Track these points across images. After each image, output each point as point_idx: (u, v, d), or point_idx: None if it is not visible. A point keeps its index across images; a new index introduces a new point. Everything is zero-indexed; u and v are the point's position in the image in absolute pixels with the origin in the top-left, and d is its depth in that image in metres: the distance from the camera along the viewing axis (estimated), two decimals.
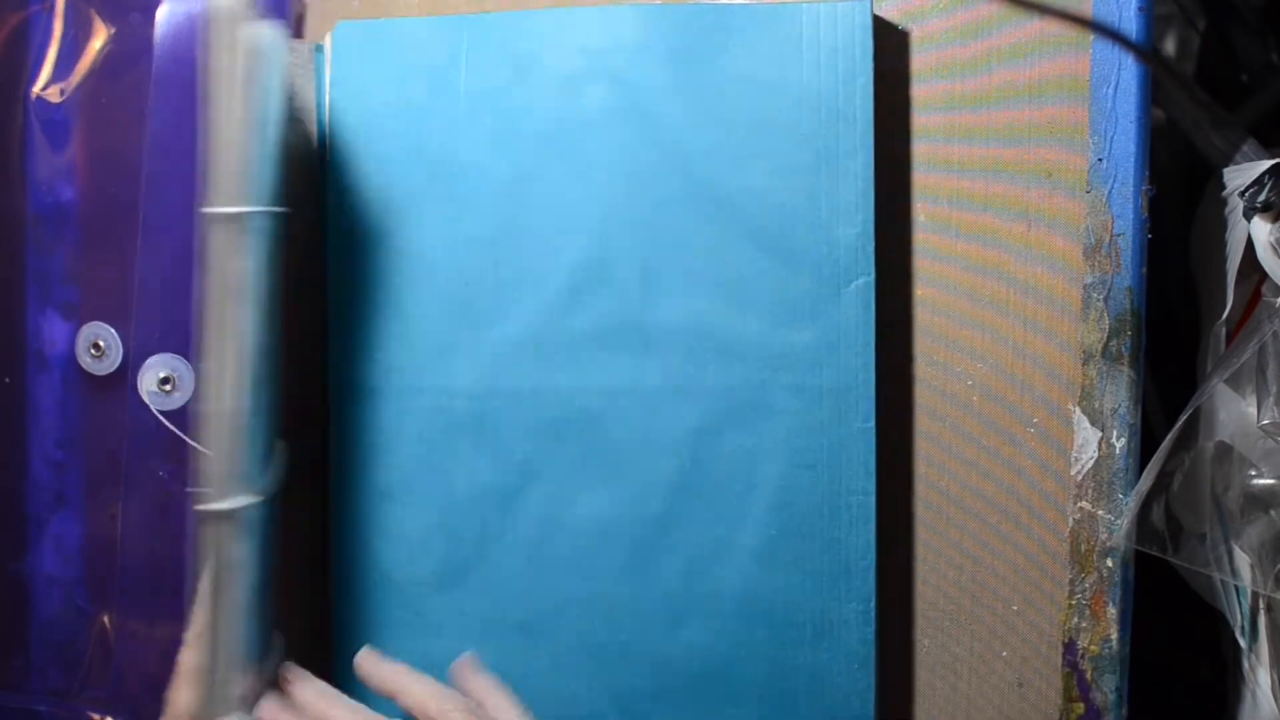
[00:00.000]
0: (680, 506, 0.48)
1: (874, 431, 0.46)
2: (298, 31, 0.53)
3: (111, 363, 0.52)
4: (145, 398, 0.50)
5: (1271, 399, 0.48)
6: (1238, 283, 0.52)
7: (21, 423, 0.55)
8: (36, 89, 0.53)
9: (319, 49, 0.50)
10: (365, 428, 0.49)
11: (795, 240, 0.47)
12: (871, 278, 0.46)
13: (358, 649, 0.47)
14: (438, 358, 0.48)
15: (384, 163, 0.49)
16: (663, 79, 0.47)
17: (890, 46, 0.48)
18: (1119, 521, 0.47)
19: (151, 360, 0.50)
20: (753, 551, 0.47)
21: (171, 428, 0.49)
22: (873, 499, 0.47)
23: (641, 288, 0.47)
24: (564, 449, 0.48)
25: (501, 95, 0.48)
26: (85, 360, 0.53)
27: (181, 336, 0.49)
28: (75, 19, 0.54)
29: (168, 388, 0.49)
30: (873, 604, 0.47)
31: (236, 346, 0.42)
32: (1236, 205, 0.50)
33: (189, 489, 0.47)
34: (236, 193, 0.42)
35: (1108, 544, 0.47)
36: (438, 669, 0.46)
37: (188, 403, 0.49)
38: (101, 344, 0.52)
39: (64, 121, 0.54)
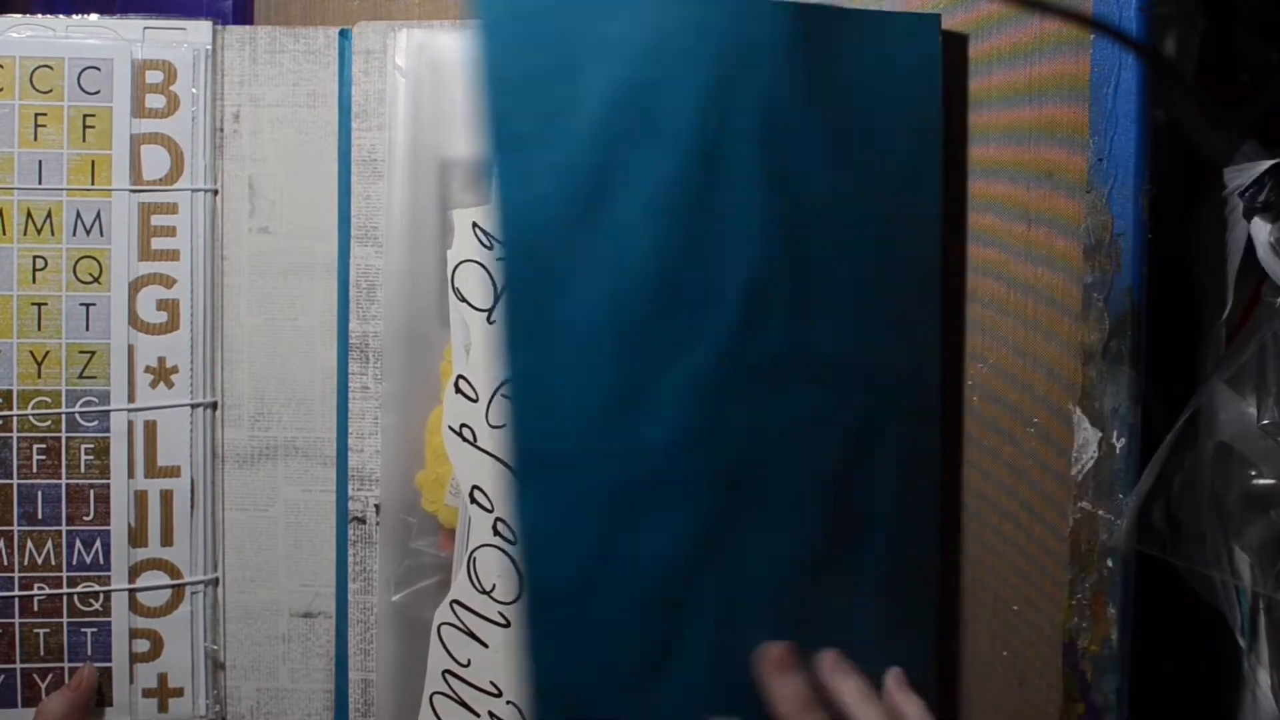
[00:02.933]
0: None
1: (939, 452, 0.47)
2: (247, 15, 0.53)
3: None
4: None
5: (1271, 399, 0.48)
6: (1238, 283, 0.52)
7: None
8: None
9: (344, 34, 0.50)
10: (553, 502, 0.42)
11: (895, 257, 0.46)
12: (939, 294, 0.47)
13: None
14: (622, 408, 0.42)
15: (532, 178, 0.41)
16: (794, 83, 0.43)
17: None
18: (1119, 521, 0.47)
19: None
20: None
21: None
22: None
23: (792, 313, 0.43)
24: (743, 496, 0.43)
25: (639, 93, 0.42)
26: None
27: None
28: None
29: None
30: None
31: None
32: (1236, 205, 0.50)
33: None
34: None
35: (1108, 544, 0.47)
36: None
37: None
38: None
39: None
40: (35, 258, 0.50)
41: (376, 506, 0.50)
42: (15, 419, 0.50)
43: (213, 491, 0.51)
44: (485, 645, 0.48)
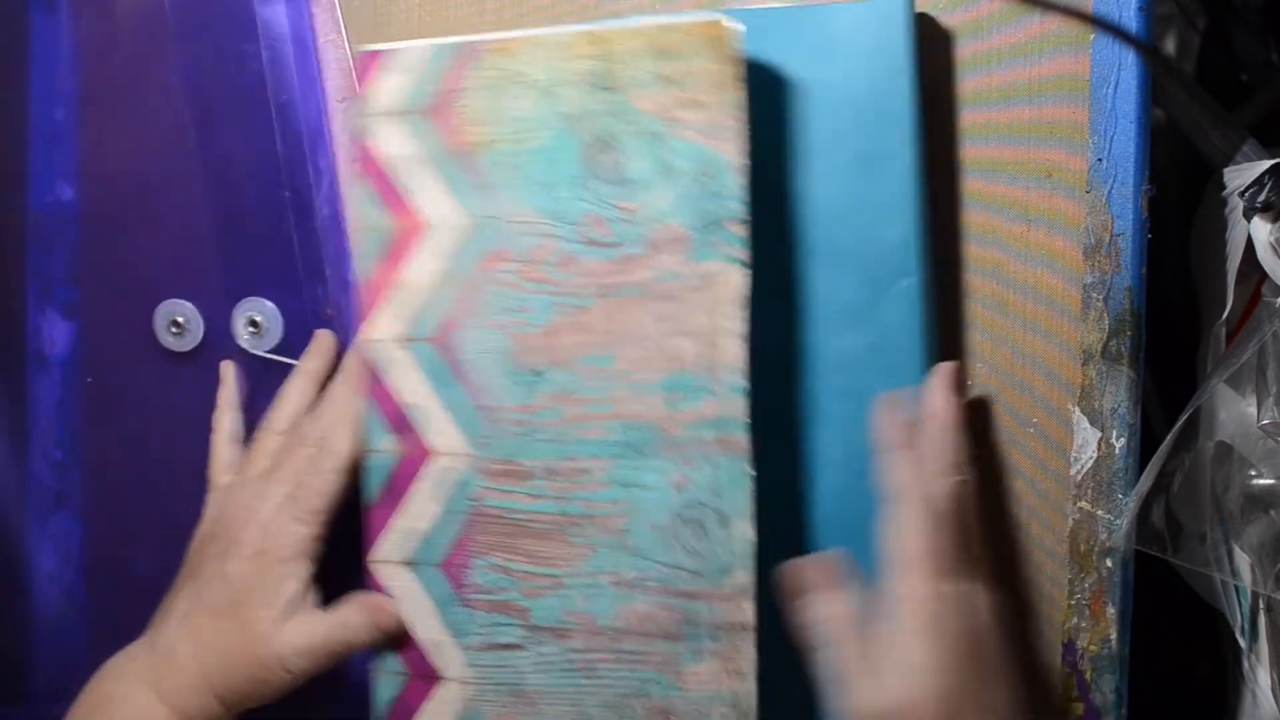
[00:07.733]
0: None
1: None
2: None
3: (194, 338, 0.54)
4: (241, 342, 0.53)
5: (1271, 399, 0.48)
6: (1238, 283, 0.52)
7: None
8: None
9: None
10: None
11: (840, 243, 0.46)
12: (917, 279, 0.46)
13: None
14: None
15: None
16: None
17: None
18: (1119, 521, 0.47)
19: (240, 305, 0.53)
20: None
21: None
22: None
23: None
24: None
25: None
26: (166, 339, 0.54)
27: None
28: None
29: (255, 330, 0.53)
30: None
31: None
32: (1236, 205, 0.50)
33: None
34: None
35: (1108, 544, 0.47)
36: None
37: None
38: (181, 320, 0.54)
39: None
40: None
41: None
42: None
43: None
44: None
